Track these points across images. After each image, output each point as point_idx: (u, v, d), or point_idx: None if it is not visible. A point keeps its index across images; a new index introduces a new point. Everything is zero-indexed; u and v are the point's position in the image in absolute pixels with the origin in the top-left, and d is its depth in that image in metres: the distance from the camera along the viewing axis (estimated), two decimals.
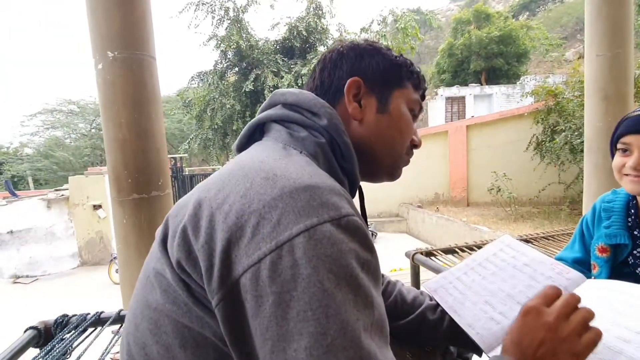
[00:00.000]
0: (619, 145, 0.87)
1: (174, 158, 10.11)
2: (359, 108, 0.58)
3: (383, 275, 0.83)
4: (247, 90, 9.90)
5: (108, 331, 1.05)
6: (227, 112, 10.41)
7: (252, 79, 9.86)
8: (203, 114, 10.87)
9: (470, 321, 0.68)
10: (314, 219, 0.39)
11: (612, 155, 0.91)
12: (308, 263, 0.37)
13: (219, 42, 10.19)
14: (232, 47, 9.92)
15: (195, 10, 9.95)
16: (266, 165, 0.45)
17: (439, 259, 1.84)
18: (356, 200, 0.63)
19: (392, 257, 3.86)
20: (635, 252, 0.89)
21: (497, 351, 0.63)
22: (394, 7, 10.55)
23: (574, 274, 0.72)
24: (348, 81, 0.57)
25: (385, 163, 0.61)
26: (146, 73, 1.70)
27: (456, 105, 14.55)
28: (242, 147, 0.59)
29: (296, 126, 0.54)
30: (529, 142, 5.77)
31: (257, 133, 0.59)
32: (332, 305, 0.36)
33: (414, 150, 0.65)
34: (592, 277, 0.96)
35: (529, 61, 16.15)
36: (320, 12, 10.59)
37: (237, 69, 10.84)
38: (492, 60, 15.34)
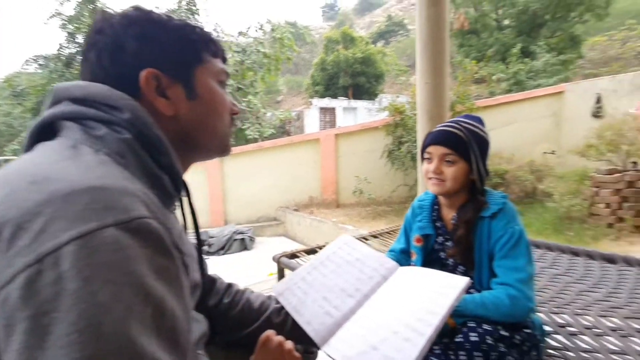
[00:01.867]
0: (425, 155, 1.08)
1: None
2: (167, 101, 0.51)
3: (230, 285, 0.81)
4: None
5: None
6: None
7: None
8: (41, 107, 8.76)
9: (309, 318, 0.73)
10: (91, 224, 0.33)
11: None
12: (77, 275, 0.31)
13: (66, 22, 8.48)
14: (82, 30, 8.37)
15: None
16: (38, 169, 0.38)
17: (303, 260, 1.96)
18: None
19: (269, 260, 3.87)
20: (437, 240, 1.13)
21: (330, 344, 0.70)
22: (271, 17, 10.80)
23: (391, 264, 0.88)
24: (142, 75, 0.49)
25: (214, 145, 0.58)
26: None
27: (328, 116, 15.81)
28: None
29: (93, 123, 0.46)
30: (383, 151, 6.73)
31: (43, 135, 0.49)
32: (108, 322, 0.31)
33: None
34: (412, 264, 1.17)
35: (384, 82, 18.75)
36: (194, 7, 9.98)
37: None
38: (356, 78, 17.18)
